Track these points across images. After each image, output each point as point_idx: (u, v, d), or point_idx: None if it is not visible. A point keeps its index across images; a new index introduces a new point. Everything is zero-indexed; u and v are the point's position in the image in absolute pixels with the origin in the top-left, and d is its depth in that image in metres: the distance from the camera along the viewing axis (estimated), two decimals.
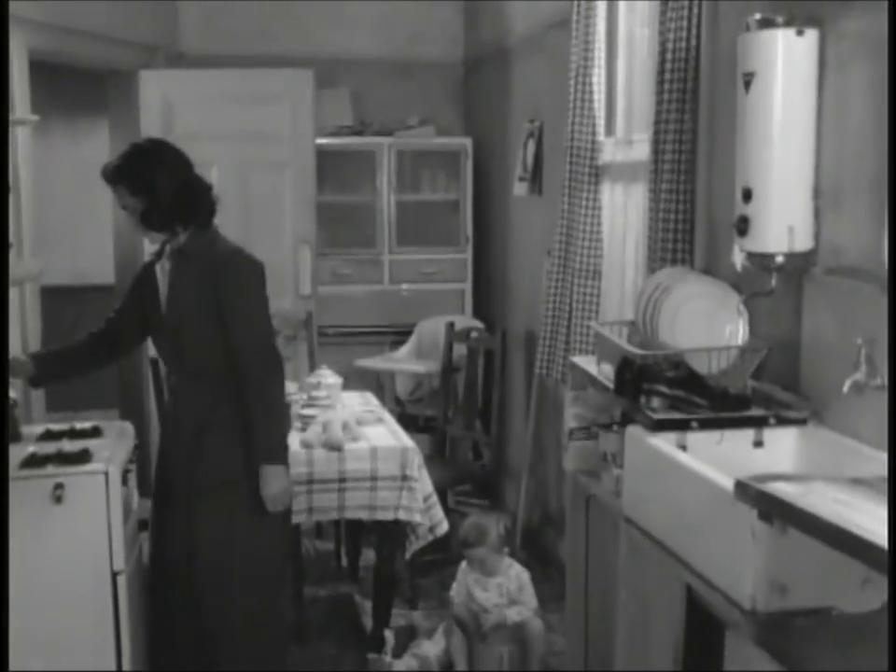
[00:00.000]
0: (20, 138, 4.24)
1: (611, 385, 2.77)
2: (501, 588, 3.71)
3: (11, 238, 3.99)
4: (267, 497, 2.97)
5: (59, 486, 2.88)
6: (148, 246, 3.25)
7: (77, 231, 7.01)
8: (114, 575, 2.96)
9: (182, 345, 3.06)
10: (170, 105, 5.27)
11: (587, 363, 3.15)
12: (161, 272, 3.10)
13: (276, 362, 3.01)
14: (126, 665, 3.00)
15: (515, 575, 3.75)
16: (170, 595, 3.10)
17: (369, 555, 4.30)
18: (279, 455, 3.00)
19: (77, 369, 3.29)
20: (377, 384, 5.58)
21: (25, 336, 4.32)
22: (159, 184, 2.95)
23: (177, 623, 3.09)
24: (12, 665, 2.76)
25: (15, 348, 4.14)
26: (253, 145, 5.32)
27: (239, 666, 3.08)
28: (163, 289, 3.08)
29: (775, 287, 2.62)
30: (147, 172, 2.96)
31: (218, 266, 2.97)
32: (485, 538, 3.70)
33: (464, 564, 3.82)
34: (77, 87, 6.27)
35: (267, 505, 2.97)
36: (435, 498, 3.76)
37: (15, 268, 3.87)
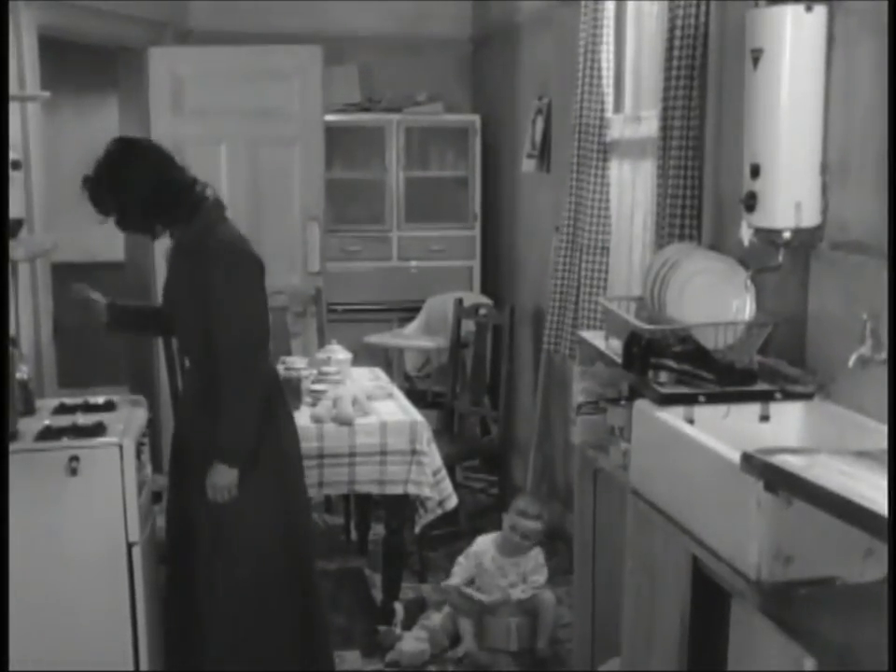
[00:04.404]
0: (30, 114, 4.25)
1: (619, 360, 2.78)
2: (519, 567, 3.77)
3: (24, 214, 4.02)
4: (208, 484, 2.93)
5: (74, 459, 2.91)
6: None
7: (87, 208, 6.97)
8: (129, 546, 3.00)
9: (176, 333, 3.12)
10: (179, 81, 5.27)
11: (595, 338, 3.16)
12: (166, 259, 3.12)
13: (252, 367, 2.92)
14: (142, 634, 3.04)
15: (533, 555, 3.81)
16: (180, 565, 3.13)
17: (378, 529, 4.33)
18: (232, 457, 2.92)
19: (147, 329, 3.59)
20: (385, 360, 5.60)
21: (37, 312, 4.33)
22: (127, 194, 2.92)
23: (184, 595, 3.11)
24: (30, 638, 2.83)
25: (26, 324, 4.18)
26: (261, 121, 5.32)
27: (227, 647, 3.03)
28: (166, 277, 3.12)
29: (782, 262, 2.63)
30: (115, 184, 2.92)
31: (209, 262, 2.89)
32: (544, 517, 3.81)
33: (482, 540, 3.86)
34: (87, 63, 6.23)
35: (207, 491, 2.94)
36: (444, 473, 3.78)
37: (27, 244, 3.89)
